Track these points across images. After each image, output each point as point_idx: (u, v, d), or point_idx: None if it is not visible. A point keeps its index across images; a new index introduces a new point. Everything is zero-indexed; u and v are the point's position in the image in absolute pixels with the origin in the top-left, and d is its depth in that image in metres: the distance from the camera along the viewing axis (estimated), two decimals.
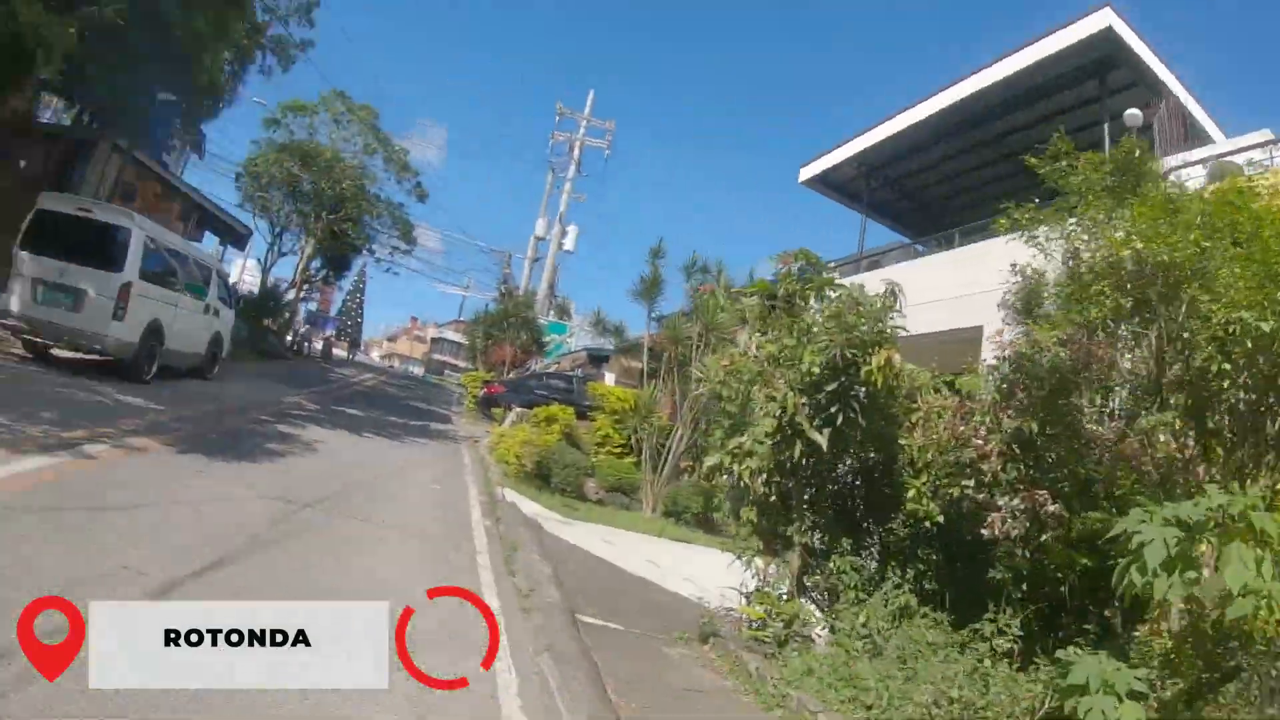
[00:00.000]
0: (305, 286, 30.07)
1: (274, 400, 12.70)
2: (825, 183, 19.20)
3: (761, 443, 4.86)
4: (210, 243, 23.98)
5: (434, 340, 77.56)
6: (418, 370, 69.80)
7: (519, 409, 14.31)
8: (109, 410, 7.76)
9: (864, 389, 4.82)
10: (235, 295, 14.10)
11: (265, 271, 25.81)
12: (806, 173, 18.98)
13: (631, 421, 12.41)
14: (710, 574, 6.52)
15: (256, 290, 25.38)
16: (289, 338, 28.03)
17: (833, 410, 4.81)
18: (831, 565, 5.06)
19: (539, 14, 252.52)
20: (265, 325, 23.54)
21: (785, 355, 5.08)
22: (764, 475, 4.93)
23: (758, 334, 5.51)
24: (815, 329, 5.01)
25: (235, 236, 23.69)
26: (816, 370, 4.75)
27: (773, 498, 5.11)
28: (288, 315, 27.24)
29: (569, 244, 30.26)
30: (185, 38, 10.86)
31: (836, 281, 5.60)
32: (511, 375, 23.68)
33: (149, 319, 9.72)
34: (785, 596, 5.13)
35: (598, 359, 25.53)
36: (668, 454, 11.43)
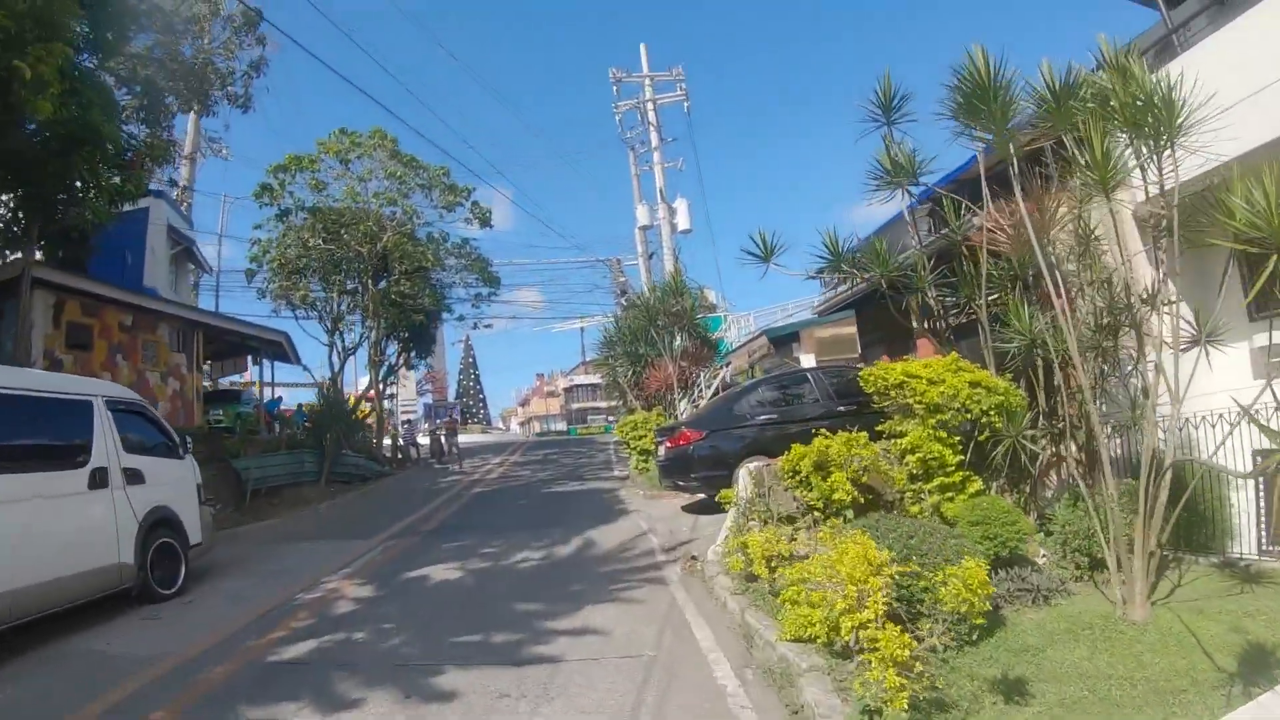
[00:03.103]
0: (389, 380, 24.89)
1: (269, 619, 6.28)
2: None
3: None
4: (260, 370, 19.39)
5: (566, 391, 73.94)
6: (560, 426, 65.40)
7: (750, 466, 7.34)
8: None
9: None
10: (181, 434, 8.19)
11: (333, 378, 20.64)
12: None
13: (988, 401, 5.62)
14: None
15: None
16: (387, 442, 22.80)
17: None
18: None
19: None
20: (344, 449, 17.85)
21: None
22: None
23: None
24: None
25: (274, 348, 18.68)
26: None
27: None
28: (373, 423, 21.82)
29: (682, 222, 23.87)
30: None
31: None
32: (684, 404, 16.27)
33: None
34: None
35: (781, 340, 18.64)
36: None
